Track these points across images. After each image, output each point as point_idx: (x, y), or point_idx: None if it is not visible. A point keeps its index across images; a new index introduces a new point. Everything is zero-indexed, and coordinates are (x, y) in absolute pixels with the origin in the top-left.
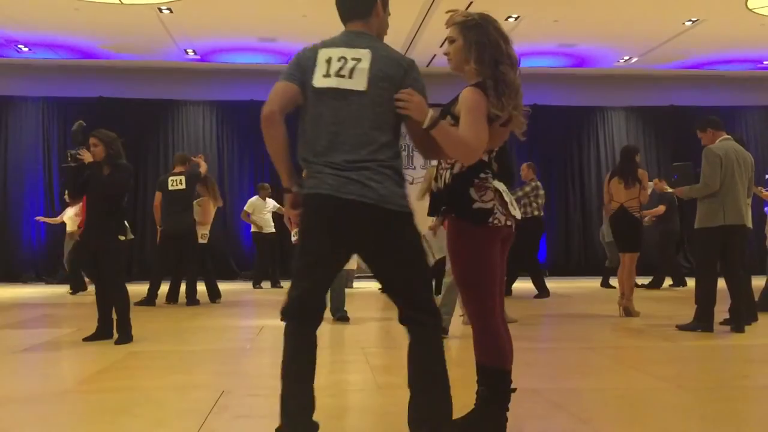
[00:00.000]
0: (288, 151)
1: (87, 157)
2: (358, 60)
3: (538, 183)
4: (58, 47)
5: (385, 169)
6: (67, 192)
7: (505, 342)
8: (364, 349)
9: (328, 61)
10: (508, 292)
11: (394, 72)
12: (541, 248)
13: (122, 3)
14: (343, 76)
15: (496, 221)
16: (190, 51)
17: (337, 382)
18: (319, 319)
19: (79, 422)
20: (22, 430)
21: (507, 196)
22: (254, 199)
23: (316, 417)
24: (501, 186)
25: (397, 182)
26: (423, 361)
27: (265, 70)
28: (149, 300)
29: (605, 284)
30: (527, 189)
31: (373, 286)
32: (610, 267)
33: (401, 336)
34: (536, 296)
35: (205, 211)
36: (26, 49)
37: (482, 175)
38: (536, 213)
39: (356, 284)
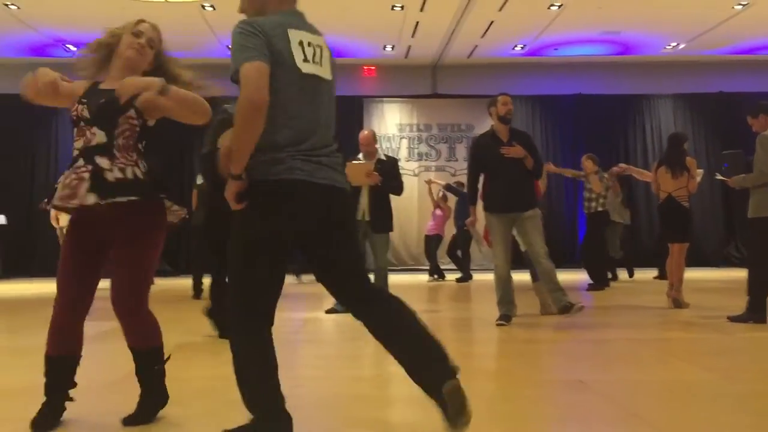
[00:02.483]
0: None
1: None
2: (321, 47)
3: (591, 176)
4: None
5: (338, 155)
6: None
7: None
8: None
9: (301, 44)
10: (606, 281)
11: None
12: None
13: (167, 1)
14: (317, 63)
15: None
16: None
17: (381, 373)
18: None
19: (131, 411)
20: (77, 418)
21: None
22: None
23: (359, 406)
24: None
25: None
26: (412, 328)
27: None
28: (196, 293)
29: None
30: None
31: (419, 278)
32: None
33: (443, 327)
34: (589, 287)
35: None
36: (74, 49)
37: None
38: (600, 209)
39: (398, 277)
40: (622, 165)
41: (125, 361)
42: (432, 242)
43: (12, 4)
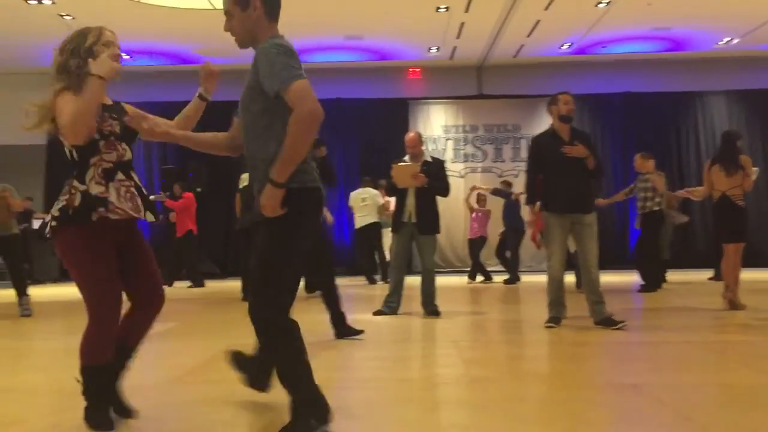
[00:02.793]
0: None
1: (323, 152)
2: None
3: (652, 175)
4: (157, 54)
5: None
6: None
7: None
8: (455, 342)
9: None
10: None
11: None
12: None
13: (214, 8)
14: None
15: None
16: None
17: (430, 375)
18: None
19: (186, 410)
20: (143, 414)
21: None
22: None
23: (408, 409)
24: None
25: None
26: None
27: (351, 68)
28: (245, 296)
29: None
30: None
31: (466, 280)
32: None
33: (493, 329)
34: (641, 289)
35: None
36: (128, 57)
37: None
38: (656, 208)
39: (446, 278)
40: (681, 192)
41: (186, 359)
42: (476, 245)
43: (67, 15)
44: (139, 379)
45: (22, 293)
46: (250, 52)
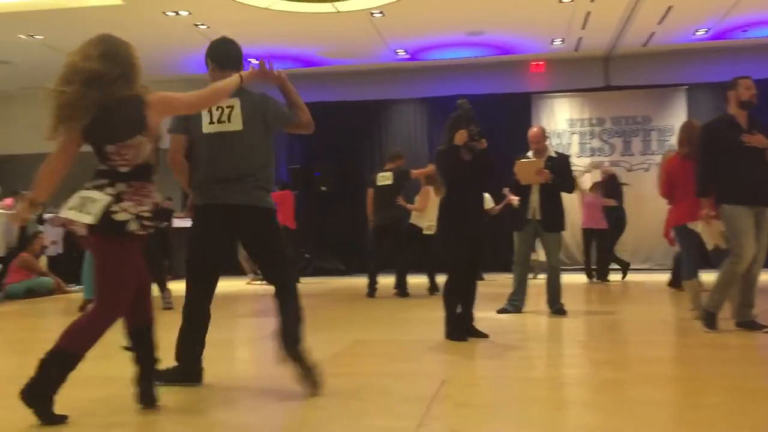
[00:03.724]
0: None
1: (483, 144)
2: (231, 107)
3: None
4: (283, 58)
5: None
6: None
7: None
8: (583, 342)
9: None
10: None
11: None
12: None
13: (338, 11)
14: (223, 122)
15: None
16: (400, 51)
17: (556, 375)
18: None
19: (314, 403)
20: (265, 408)
21: None
22: None
23: (533, 408)
24: None
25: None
26: None
27: (472, 63)
28: (370, 291)
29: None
30: None
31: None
32: None
33: (622, 329)
34: None
35: (424, 198)
36: (255, 62)
37: None
38: None
39: (571, 276)
40: None
41: (312, 353)
42: (590, 237)
43: (201, 24)
44: (267, 372)
45: (163, 288)
46: (368, 54)
